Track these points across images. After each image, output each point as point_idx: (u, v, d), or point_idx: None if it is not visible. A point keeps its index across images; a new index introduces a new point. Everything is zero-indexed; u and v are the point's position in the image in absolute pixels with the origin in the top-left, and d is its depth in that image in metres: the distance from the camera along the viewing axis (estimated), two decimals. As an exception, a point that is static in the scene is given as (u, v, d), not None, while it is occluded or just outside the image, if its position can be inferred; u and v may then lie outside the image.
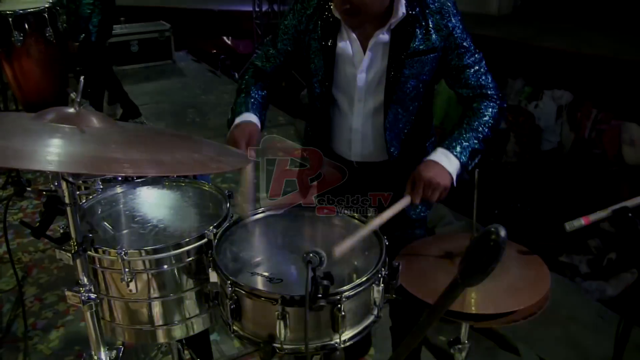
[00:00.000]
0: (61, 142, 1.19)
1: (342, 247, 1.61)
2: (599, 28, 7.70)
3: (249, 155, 1.84)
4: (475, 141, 1.87)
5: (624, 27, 7.57)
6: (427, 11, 1.88)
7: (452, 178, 1.81)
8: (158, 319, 1.84)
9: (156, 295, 1.80)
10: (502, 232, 0.91)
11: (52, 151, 1.15)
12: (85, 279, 1.41)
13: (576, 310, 3.49)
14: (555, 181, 6.51)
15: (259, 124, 1.97)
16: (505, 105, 1.98)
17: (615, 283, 5.09)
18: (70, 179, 1.28)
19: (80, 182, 1.89)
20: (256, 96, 2.05)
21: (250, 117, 1.96)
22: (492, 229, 0.91)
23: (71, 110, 1.30)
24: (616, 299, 4.28)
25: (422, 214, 2.25)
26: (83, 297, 1.41)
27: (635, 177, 5.95)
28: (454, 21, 1.89)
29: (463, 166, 1.85)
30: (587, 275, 5.31)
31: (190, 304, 1.86)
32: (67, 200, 1.32)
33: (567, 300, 3.58)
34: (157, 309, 1.82)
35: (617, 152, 6.13)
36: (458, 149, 1.84)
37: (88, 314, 1.45)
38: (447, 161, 1.82)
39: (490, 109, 1.92)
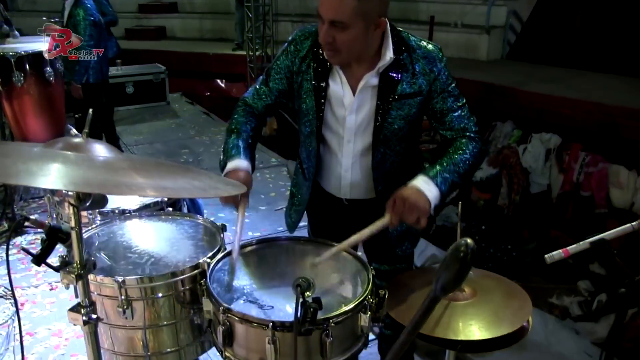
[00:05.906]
0: (72, 167, 1.28)
1: (320, 258, 1.84)
2: (585, 73, 7.91)
3: (242, 203, 1.93)
4: (456, 175, 1.93)
5: (610, 72, 7.78)
6: (414, 56, 1.96)
7: (430, 205, 1.85)
8: (152, 347, 1.89)
9: (150, 323, 1.86)
10: (470, 242, 1.03)
11: (66, 174, 1.24)
12: (87, 301, 1.46)
13: (564, 347, 3.52)
14: (545, 224, 6.57)
15: (250, 169, 2.02)
16: (484, 148, 2.05)
17: (606, 324, 5.11)
18: (75, 204, 1.35)
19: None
20: (246, 137, 2.10)
21: (242, 162, 2.00)
22: (462, 242, 1.03)
23: (78, 139, 1.39)
24: (607, 339, 4.30)
25: (407, 251, 2.30)
26: (84, 318, 1.46)
27: (624, 219, 6.01)
28: (439, 66, 1.97)
29: (442, 196, 1.90)
30: (578, 317, 5.34)
31: (184, 333, 1.92)
32: (72, 224, 1.39)
33: (556, 337, 3.61)
34: (151, 336, 1.88)
35: (605, 194, 6.21)
36: (439, 179, 1.89)
37: (88, 335, 1.50)
38: (427, 188, 1.86)
39: (471, 147, 1.98)
